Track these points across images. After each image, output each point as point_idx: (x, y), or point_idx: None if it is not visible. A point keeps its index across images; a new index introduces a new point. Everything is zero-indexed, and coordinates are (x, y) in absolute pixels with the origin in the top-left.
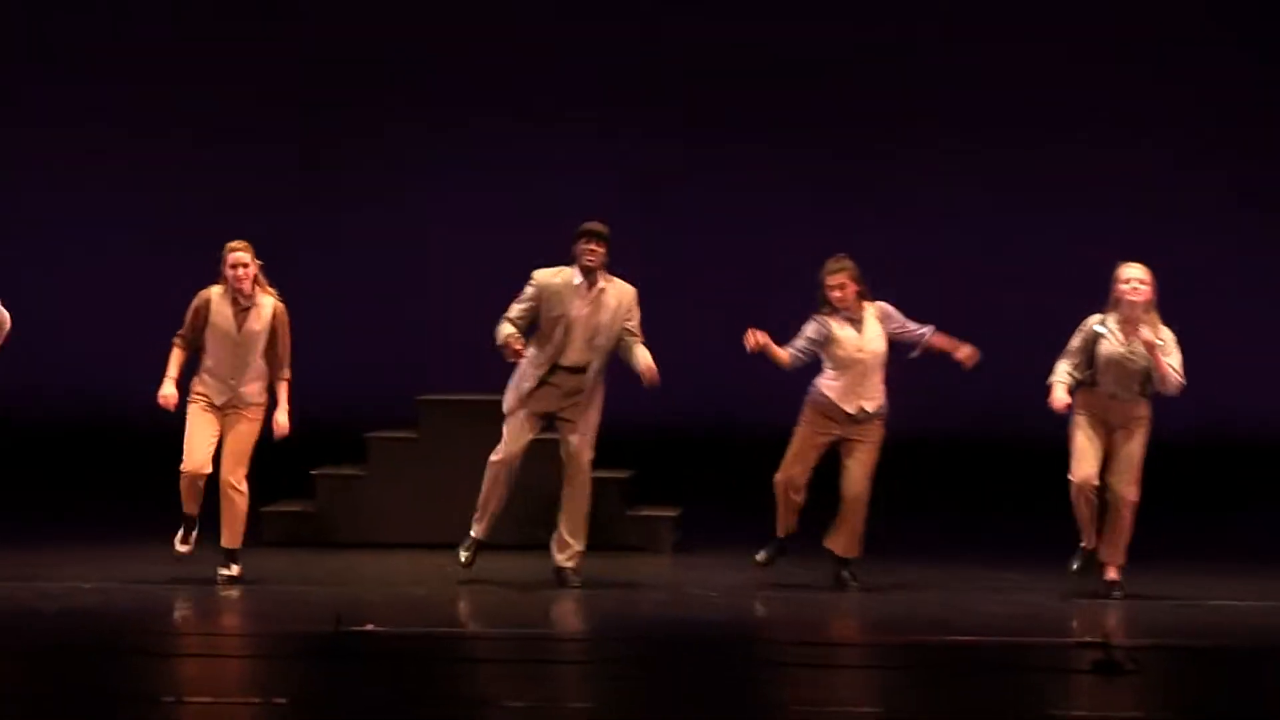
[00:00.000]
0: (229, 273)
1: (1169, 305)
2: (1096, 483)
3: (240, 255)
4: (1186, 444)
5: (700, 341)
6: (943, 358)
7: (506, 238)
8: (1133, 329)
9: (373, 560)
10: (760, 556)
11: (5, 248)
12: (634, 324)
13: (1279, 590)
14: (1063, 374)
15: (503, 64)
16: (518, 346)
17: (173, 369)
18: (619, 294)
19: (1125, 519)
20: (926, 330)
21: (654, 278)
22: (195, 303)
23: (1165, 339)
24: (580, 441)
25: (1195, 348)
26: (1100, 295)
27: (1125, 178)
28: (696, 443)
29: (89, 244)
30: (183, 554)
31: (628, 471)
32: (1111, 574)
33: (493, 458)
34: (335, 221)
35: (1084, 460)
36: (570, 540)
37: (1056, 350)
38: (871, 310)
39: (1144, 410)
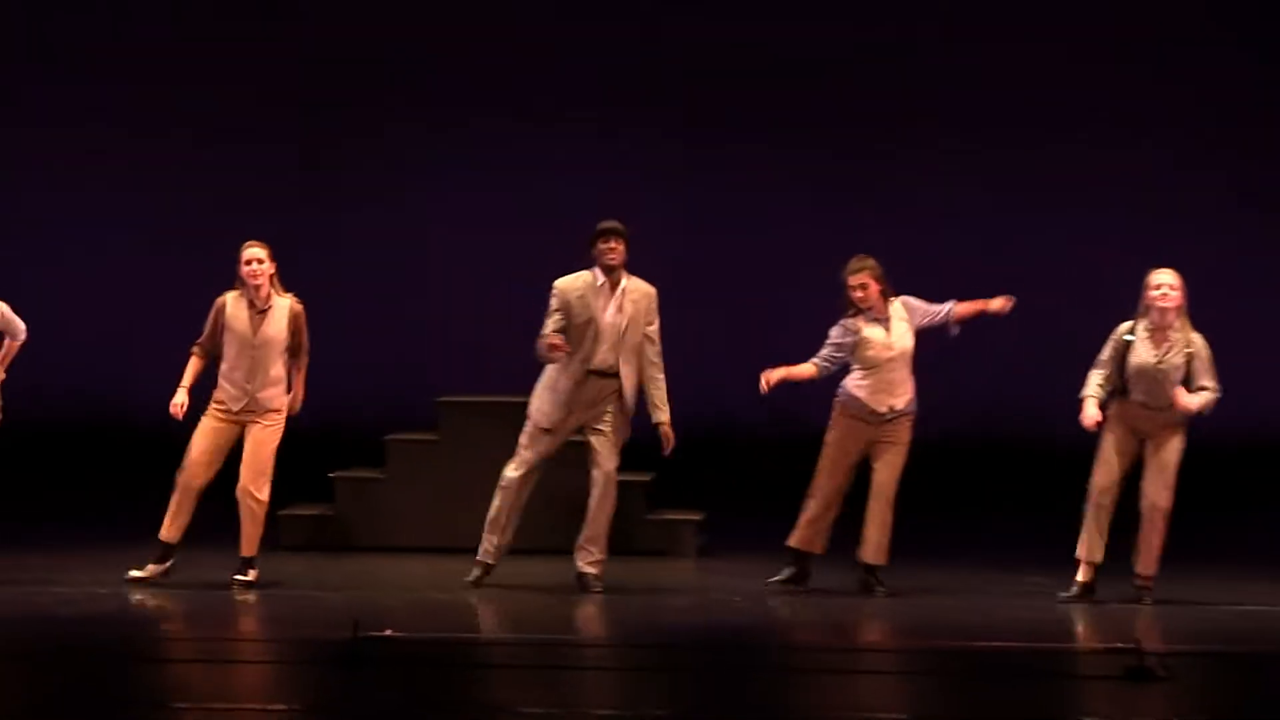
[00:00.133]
0: (244, 270)
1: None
2: (1113, 497)
3: (255, 251)
4: (1209, 445)
5: (700, 341)
6: (979, 319)
7: (506, 238)
8: (1163, 336)
9: (391, 564)
10: (780, 576)
11: (5, 248)
12: (654, 329)
13: None
14: (1093, 388)
15: (503, 64)
16: (557, 341)
17: (186, 378)
18: (642, 292)
19: (1158, 526)
20: (949, 306)
21: (654, 278)
22: (213, 309)
23: (1196, 345)
24: (608, 449)
25: None
26: (1100, 295)
27: (1125, 178)
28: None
29: (89, 244)
30: (138, 578)
31: (650, 474)
32: (1142, 580)
33: (509, 473)
34: (335, 221)
35: (1104, 469)
36: (592, 546)
37: (1057, 350)
38: (896, 306)
39: (1177, 417)
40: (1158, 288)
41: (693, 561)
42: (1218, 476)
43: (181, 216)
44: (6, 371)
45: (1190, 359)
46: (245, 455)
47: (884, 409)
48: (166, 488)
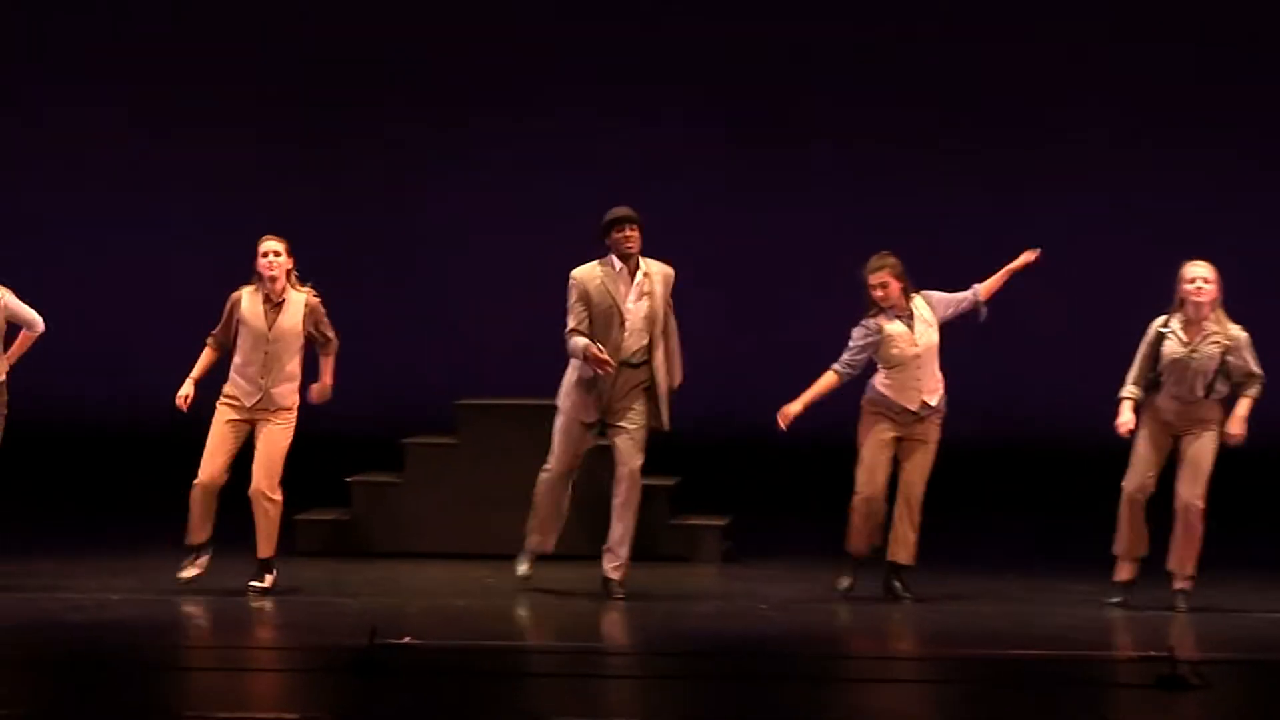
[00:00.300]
0: (260, 262)
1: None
2: (1148, 493)
3: (273, 244)
4: (1244, 447)
5: (700, 341)
6: (1008, 287)
7: (507, 238)
8: (1197, 329)
9: (409, 570)
10: (844, 584)
11: (5, 248)
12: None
13: None
14: (1130, 388)
15: (503, 64)
16: (597, 351)
17: (196, 369)
18: (663, 274)
19: (1194, 527)
20: (973, 293)
21: None
22: (228, 303)
23: (1235, 336)
24: (631, 448)
25: None
26: (1100, 295)
27: (1125, 177)
28: (722, 449)
29: (89, 244)
30: (190, 578)
31: (674, 479)
32: (1180, 584)
33: (549, 472)
34: (335, 221)
35: (1137, 469)
36: (618, 548)
37: (1058, 350)
38: (918, 302)
39: (1210, 413)
40: (1192, 281)
41: (717, 567)
42: (1253, 480)
43: (181, 216)
44: (10, 373)
45: (1227, 352)
46: (258, 455)
47: (915, 405)
48: (175, 490)
